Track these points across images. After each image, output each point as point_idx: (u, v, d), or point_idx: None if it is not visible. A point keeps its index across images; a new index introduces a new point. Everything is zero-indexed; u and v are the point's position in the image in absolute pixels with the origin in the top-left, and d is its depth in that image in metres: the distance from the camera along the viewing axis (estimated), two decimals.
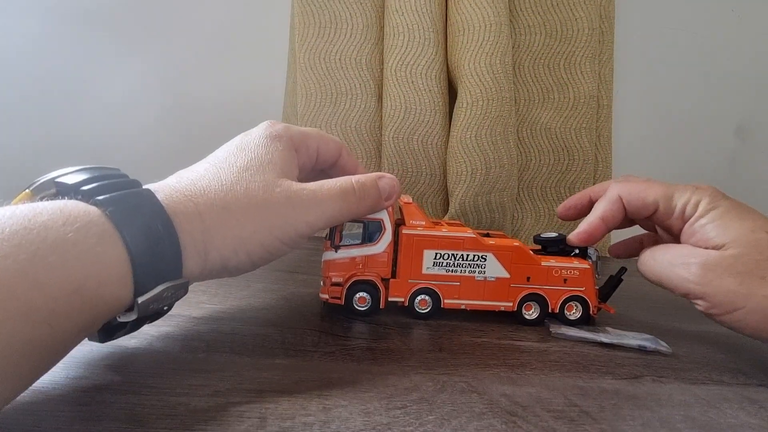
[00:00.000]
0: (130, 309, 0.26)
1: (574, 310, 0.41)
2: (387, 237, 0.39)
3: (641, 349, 0.38)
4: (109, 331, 0.27)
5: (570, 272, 0.40)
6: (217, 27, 0.71)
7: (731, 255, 0.34)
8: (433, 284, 0.40)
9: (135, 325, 0.28)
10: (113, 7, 0.69)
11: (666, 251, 0.37)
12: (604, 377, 0.33)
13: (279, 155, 0.33)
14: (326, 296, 0.39)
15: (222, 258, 0.29)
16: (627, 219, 0.41)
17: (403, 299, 0.40)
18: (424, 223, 0.39)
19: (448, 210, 0.64)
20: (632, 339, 0.38)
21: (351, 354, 0.33)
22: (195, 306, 0.38)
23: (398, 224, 0.40)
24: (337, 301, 0.39)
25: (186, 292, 0.28)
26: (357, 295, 0.39)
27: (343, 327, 0.37)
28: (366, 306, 0.39)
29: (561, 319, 0.41)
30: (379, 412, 0.26)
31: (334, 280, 0.39)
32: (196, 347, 0.32)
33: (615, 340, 0.38)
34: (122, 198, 0.26)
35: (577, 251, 0.42)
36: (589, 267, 0.41)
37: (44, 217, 0.22)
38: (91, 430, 0.22)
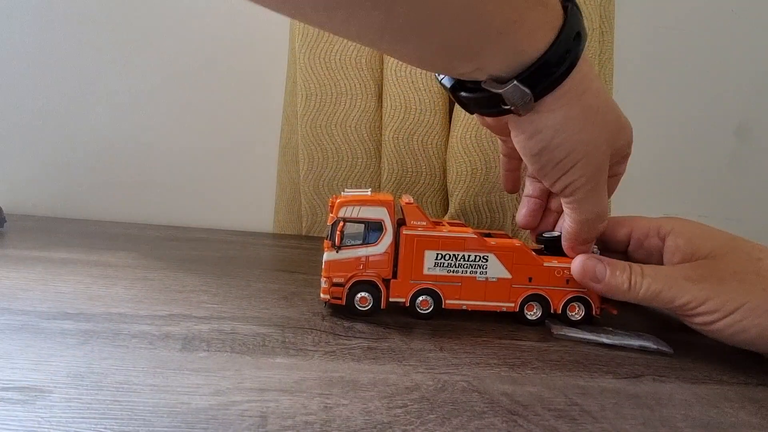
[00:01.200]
0: (500, 83, 0.32)
1: (576, 311, 0.41)
2: (388, 237, 0.39)
3: (643, 350, 0.38)
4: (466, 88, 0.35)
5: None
6: (217, 27, 0.71)
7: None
8: (434, 285, 0.40)
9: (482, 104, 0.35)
10: (114, 8, 0.69)
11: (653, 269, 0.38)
12: (605, 376, 0.33)
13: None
14: (327, 296, 0.39)
15: (550, 132, 0.34)
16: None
17: (404, 300, 0.40)
18: (425, 223, 0.39)
19: (448, 210, 0.64)
20: (634, 340, 0.38)
21: (352, 353, 0.33)
22: (196, 305, 0.38)
23: (399, 224, 0.40)
24: (338, 302, 0.39)
25: (523, 107, 0.33)
26: (358, 296, 0.39)
27: (344, 327, 0.37)
28: (367, 306, 0.39)
29: (563, 319, 0.41)
30: (380, 411, 0.26)
31: (335, 280, 0.39)
32: (197, 346, 0.32)
33: (617, 341, 0.38)
34: (576, 21, 0.32)
35: None
36: None
37: None
38: (91, 430, 0.23)
